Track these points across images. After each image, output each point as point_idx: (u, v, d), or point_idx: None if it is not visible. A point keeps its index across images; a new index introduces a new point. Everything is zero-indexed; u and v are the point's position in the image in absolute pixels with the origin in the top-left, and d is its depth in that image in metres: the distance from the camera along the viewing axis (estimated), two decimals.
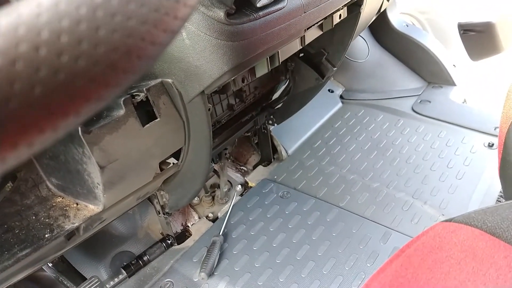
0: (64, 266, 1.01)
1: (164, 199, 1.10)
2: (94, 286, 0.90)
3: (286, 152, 1.51)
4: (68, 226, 0.68)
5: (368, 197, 1.28)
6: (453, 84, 1.78)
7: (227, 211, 1.27)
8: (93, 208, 0.71)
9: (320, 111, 1.65)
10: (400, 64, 1.80)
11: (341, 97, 1.74)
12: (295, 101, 1.34)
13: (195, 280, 1.08)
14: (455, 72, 1.79)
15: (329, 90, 1.70)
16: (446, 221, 0.58)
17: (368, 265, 1.08)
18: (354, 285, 1.03)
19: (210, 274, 1.08)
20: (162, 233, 1.21)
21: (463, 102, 1.76)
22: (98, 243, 1.13)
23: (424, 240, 0.56)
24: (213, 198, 1.37)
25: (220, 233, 1.18)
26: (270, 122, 1.41)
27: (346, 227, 1.19)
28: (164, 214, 1.14)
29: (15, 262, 0.62)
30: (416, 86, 1.78)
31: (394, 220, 1.19)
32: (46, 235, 0.67)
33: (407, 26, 1.79)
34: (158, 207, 1.12)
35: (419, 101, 1.70)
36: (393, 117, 1.62)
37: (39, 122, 0.19)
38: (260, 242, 1.17)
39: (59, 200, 0.75)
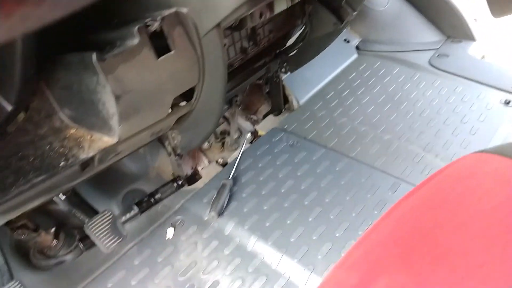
0: (77, 199, 1.04)
1: (176, 141, 1.10)
2: (107, 219, 0.93)
3: (298, 102, 1.50)
4: (83, 155, 0.69)
5: (379, 148, 1.28)
6: (472, 39, 1.70)
7: (237, 157, 1.28)
8: (107, 140, 0.71)
9: (334, 61, 1.61)
10: (419, 15, 1.72)
11: (357, 48, 1.68)
12: (311, 47, 1.30)
13: (205, 218, 1.11)
14: (475, 27, 1.71)
15: (345, 40, 1.65)
16: (477, 152, 0.57)
17: (375, 212, 1.09)
18: (360, 230, 1.05)
19: (220, 214, 1.11)
20: (173, 174, 1.23)
21: (482, 58, 1.70)
22: (111, 180, 1.15)
23: (455, 168, 0.56)
24: (223, 144, 1.38)
25: (230, 177, 1.20)
26: (283, 70, 1.38)
27: (355, 176, 1.20)
28: (175, 156, 1.15)
29: (30, 187, 0.63)
30: (434, 40, 1.71)
31: (404, 171, 1.20)
32: (61, 164, 0.68)
33: None
34: (169, 149, 1.13)
35: (437, 55, 1.64)
36: (409, 70, 1.58)
37: None
38: (268, 187, 1.19)
39: (73, 131, 0.75)
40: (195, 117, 0.90)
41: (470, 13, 1.69)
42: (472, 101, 1.43)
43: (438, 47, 1.68)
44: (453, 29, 1.70)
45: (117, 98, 0.63)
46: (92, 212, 1.05)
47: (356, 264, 0.51)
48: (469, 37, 1.69)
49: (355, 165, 1.23)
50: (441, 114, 1.40)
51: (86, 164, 0.71)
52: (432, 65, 1.59)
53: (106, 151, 0.72)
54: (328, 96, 1.53)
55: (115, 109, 0.64)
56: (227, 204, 1.14)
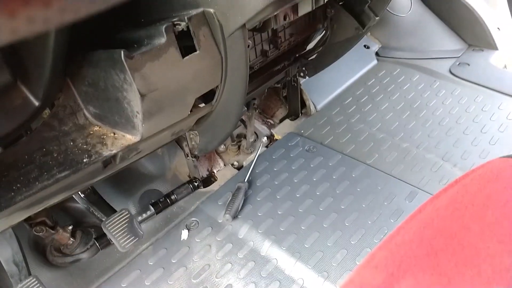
0: (95, 197, 1.05)
1: (193, 142, 1.10)
2: (124, 218, 0.93)
3: (315, 107, 1.49)
4: (106, 153, 0.70)
5: (396, 156, 1.26)
6: (495, 48, 1.68)
7: (253, 160, 1.27)
8: (130, 138, 0.72)
9: (353, 67, 1.60)
10: (441, 23, 1.70)
11: (376, 54, 1.67)
12: (331, 52, 1.29)
13: (220, 221, 1.11)
14: (498, 36, 1.68)
15: (364, 46, 1.64)
16: (504, 157, 0.57)
17: (392, 221, 1.08)
18: (376, 239, 1.04)
19: (235, 217, 1.10)
20: (189, 176, 1.23)
21: (504, 68, 1.67)
22: (128, 179, 1.16)
23: (481, 172, 0.55)
24: (239, 147, 1.38)
25: (245, 180, 1.19)
26: (302, 74, 1.38)
27: (372, 183, 1.18)
28: (192, 157, 1.16)
29: (54, 182, 0.64)
30: (455, 48, 1.69)
31: (422, 180, 1.18)
32: (84, 160, 0.69)
33: None
34: (187, 150, 1.14)
35: (458, 63, 1.62)
36: (429, 78, 1.56)
37: None
38: (283, 191, 1.18)
39: (96, 129, 0.76)
40: (214, 119, 0.90)
41: (493, 22, 1.67)
42: (493, 111, 1.40)
43: (459, 55, 1.65)
44: (475, 37, 1.68)
45: (142, 96, 0.63)
46: (109, 210, 1.06)
47: (381, 264, 0.50)
48: (491, 46, 1.67)
49: (372, 172, 1.22)
50: (460, 123, 1.37)
51: (108, 161, 0.72)
52: (452, 74, 1.57)
53: (128, 149, 0.72)
54: (346, 102, 1.51)
55: (140, 107, 0.64)
56: (242, 207, 1.14)
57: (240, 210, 1.12)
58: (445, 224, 0.52)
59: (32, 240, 1.02)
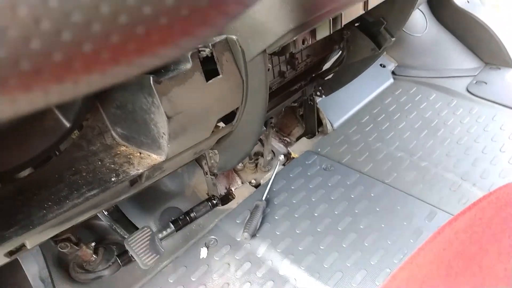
0: (118, 215, 1.07)
1: (212, 161, 1.13)
2: (146, 235, 0.95)
3: (332, 125, 1.50)
4: (133, 172, 0.72)
5: (415, 175, 1.26)
6: (511, 66, 1.67)
7: (270, 178, 1.28)
8: (156, 158, 0.74)
9: (370, 86, 1.61)
10: (457, 41, 1.71)
11: (393, 73, 1.68)
12: (347, 72, 1.31)
13: (238, 239, 1.12)
14: None
15: (380, 65, 1.66)
16: None
17: (411, 241, 1.07)
18: (396, 259, 1.03)
19: (253, 235, 1.11)
20: (207, 193, 1.25)
21: None
22: (149, 197, 1.19)
23: (498, 195, 0.56)
24: (256, 165, 1.39)
25: (263, 198, 1.21)
26: (318, 93, 1.40)
27: (391, 203, 1.18)
28: (211, 175, 1.18)
29: (84, 200, 0.66)
30: (472, 66, 1.69)
31: (441, 199, 1.17)
32: (112, 179, 0.72)
33: (468, 2, 1.69)
34: (206, 168, 1.16)
35: (475, 82, 1.62)
36: (446, 97, 1.56)
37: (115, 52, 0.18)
38: (301, 210, 1.19)
39: (123, 149, 0.79)
40: (234, 138, 0.92)
41: (509, 39, 1.67)
42: (511, 130, 1.39)
43: (476, 74, 1.65)
44: (492, 55, 1.67)
45: (169, 119, 0.66)
46: (131, 227, 1.08)
47: (402, 285, 0.51)
48: (508, 64, 1.66)
49: (391, 192, 1.21)
50: (479, 142, 1.36)
51: (135, 180, 0.74)
52: (469, 92, 1.57)
53: (154, 168, 0.75)
54: (363, 120, 1.52)
55: (166, 129, 0.67)
56: (260, 225, 1.15)
57: (258, 229, 1.13)
58: (464, 246, 0.53)
59: (56, 256, 1.04)
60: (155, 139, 0.72)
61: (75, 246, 1.02)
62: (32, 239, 0.66)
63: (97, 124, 0.78)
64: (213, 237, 1.14)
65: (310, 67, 1.29)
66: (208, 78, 0.69)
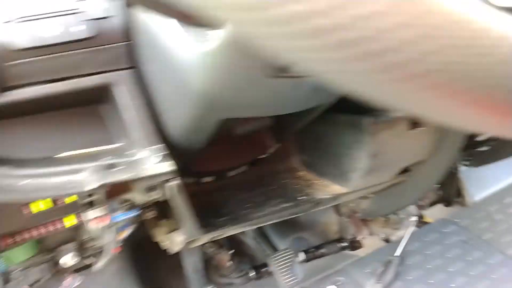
0: (262, 233, 1.15)
1: (354, 204, 1.16)
2: (289, 257, 1.00)
3: (472, 198, 1.43)
4: (318, 196, 0.79)
5: None
6: None
7: (403, 236, 1.26)
8: (338, 188, 0.80)
9: None
10: None
11: None
12: (505, 148, 1.26)
13: None
14: None
15: None
16: None
17: None
18: None
19: None
20: (337, 235, 1.27)
21: None
22: (283, 223, 1.25)
23: None
24: (386, 220, 1.38)
25: (398, 255, 1.18)
26: (467, 163, 1.36)
27: None
28: (346, 217, 1.20)
29: (280, 210, 0.74)
30: None
31: None
32: (299, 197, 0.79)
33: None
34: (344, 210, 1.19)
35: None
36: None
37: None
38: (437, 278, 1.13)
39: (302, 173, 0.87)
40: (400, 188, 0.95)
41: None
42: None
43: None
44: None
45: (372, 157, 0.72)
46: (271, 248, 1.15)
47: None
48: None
49: None
50: None
51: (317, 202, 0.81)
52: None
53: (334, 197, 0.80)
54: (505, 201, 1.42)
55: (364, 165, 0.73)
56: (392, 281, 1.12)
57: (390, 285, 1.11)
58: None
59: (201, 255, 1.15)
60: (343, 172, 0.78)
61: (219, 249, 1.12)
62: (228, 231, 0.75)
63: (286, 148, 0.88)
64: (340, 278, 1.14)
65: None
66: (413, 127, 0.74)
